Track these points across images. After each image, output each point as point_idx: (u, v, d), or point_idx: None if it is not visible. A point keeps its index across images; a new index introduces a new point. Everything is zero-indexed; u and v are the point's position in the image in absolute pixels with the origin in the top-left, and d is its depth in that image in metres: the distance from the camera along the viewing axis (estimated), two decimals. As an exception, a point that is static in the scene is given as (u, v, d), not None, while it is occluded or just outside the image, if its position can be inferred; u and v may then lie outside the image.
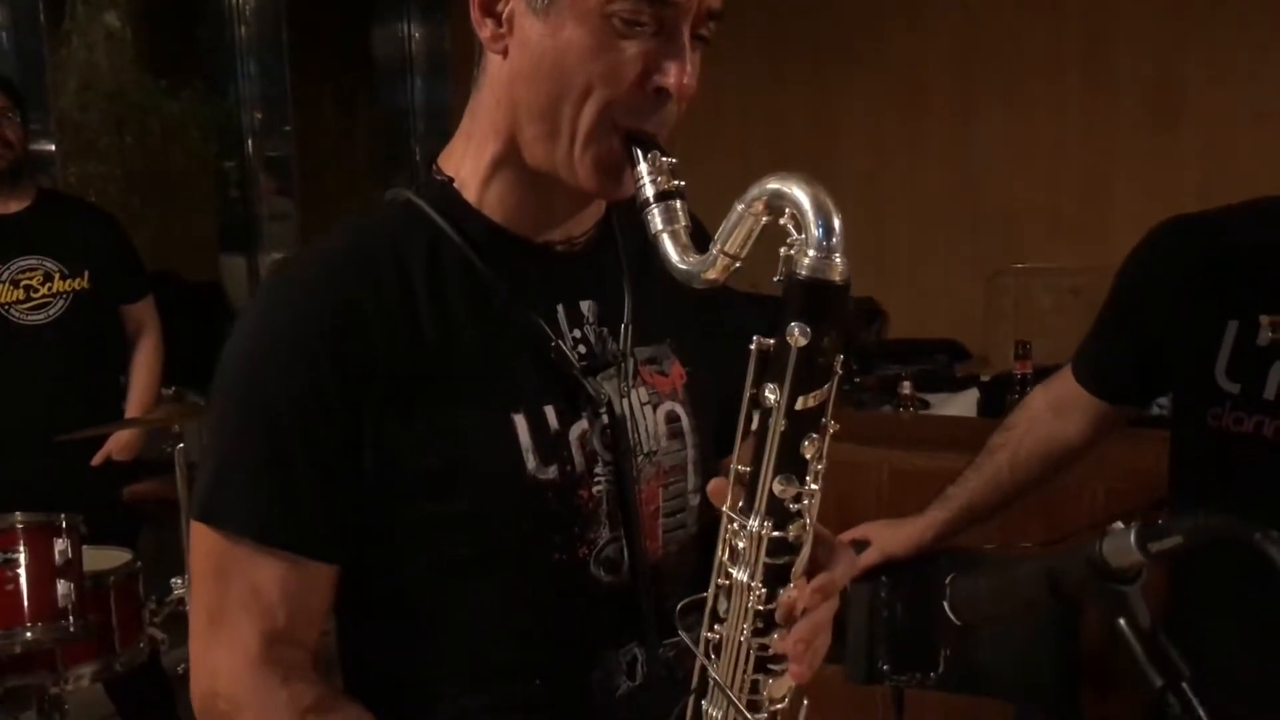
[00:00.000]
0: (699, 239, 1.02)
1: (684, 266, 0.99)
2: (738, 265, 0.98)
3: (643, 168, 1.02)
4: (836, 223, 0.91)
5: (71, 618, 2.57)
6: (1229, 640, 1.53)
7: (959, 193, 4.44)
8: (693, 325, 1.28)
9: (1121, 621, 0.89)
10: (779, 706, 1.04)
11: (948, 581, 1.14)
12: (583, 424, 1.14)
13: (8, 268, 3.15)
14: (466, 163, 1.14)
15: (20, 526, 2.58)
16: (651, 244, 1.01)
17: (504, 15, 1.06)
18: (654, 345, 1.23)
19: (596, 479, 1.14)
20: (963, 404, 3.66)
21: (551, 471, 1.11)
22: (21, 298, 3.16)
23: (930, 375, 3.87)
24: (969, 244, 4.42)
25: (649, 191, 1.02)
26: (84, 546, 2.70)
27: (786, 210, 0.93)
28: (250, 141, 5.18)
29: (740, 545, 0.99)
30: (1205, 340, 1.59)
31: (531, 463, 1.10)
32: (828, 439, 0.97)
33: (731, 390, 1.00)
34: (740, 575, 0.99)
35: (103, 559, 2.82)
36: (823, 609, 1.02)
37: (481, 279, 1.11)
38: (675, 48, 1.03)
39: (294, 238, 5.17)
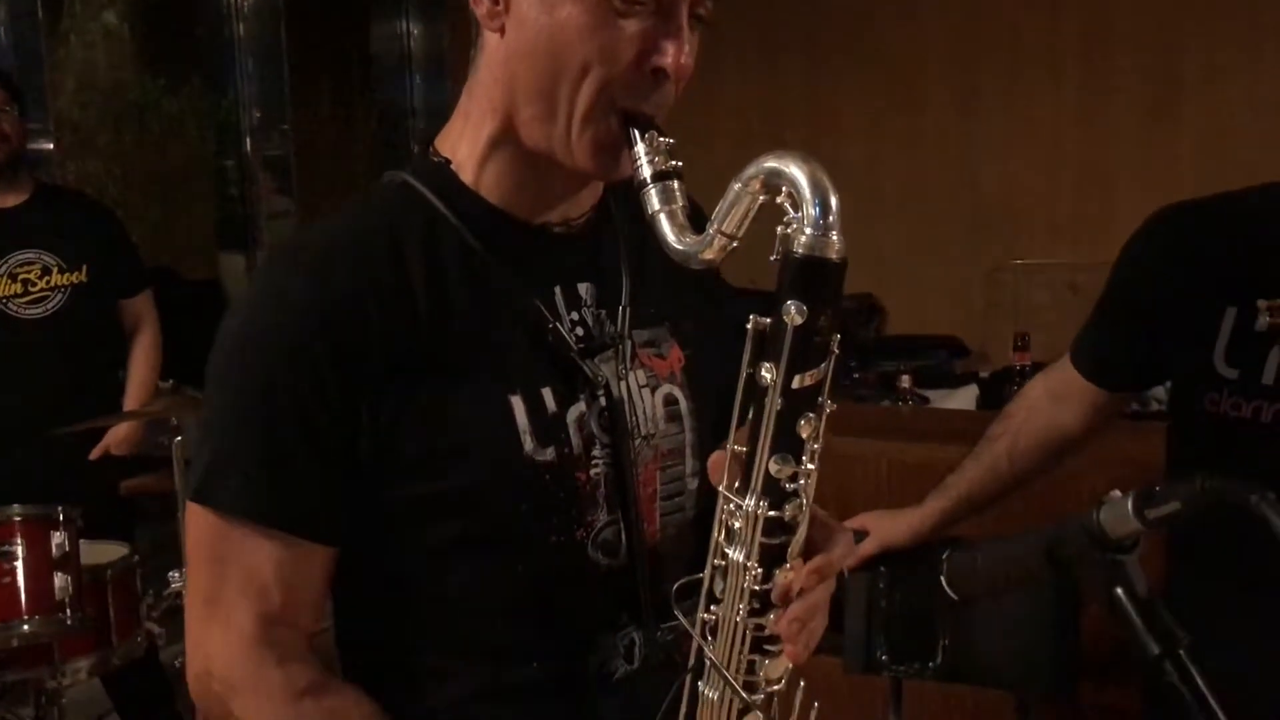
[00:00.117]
0: (696, 220, 1.02)
1: (681, 247, 0.99)
2: (735, 245, 0.97)
3: (640, 148, 1.02)
4: (833, 201, 0.91)
5: (69, 610, 2.57)
6: (1227, 613, 1.52)
7: (958, 189, 4.44)
8: (691, 309, 1.28)
9: (1119, 590, 0.89)
10: (775, 688, 1.03)
11: (944, 557, 1.14)
12: (580, 406, 1.13)
13: (5, 262, 3.15)
14: (463, 144, 1.14)
15: (18, 519, 2.58)
16: (649, 225, 1.01)
17: None
18: (652, 328, 1.22)
19: (594, 461, 1.14)
20: (962, 400, 3.67)
21: (549, 453, 1.10)
22: (19, 291, 3.15)
23: (929, 371, 3.87)
24: (968, 240, 4.42)
25: (646, 172, 1.01)
26: (81, 540, 2.69)
27: (783, 189, 0.93)
28: (248, 139, 5.18)
29: (736, 525, 0.99)
30: (1203, 326, 1.59)
31: (529, 444, 1.09)
32: (824, 419, 0.97)
33: (730, 379, 1.00)
34: (736, 555, 0.99)
35: (100, 553, 2.82)
36: (819, 590, 1.02)
37: (478, 260, 1.11)
38: (673, 27, 1.03)
39: (292, 236, 5.16)
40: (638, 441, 1.17)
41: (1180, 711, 0.90)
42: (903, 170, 4.53)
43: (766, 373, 0.94)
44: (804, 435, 0.96)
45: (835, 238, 0.91)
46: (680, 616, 1.04)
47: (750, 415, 0.97)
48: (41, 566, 2.55)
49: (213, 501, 1.07)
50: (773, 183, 0.94)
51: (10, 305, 3.15)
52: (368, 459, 1.06)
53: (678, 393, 1.22)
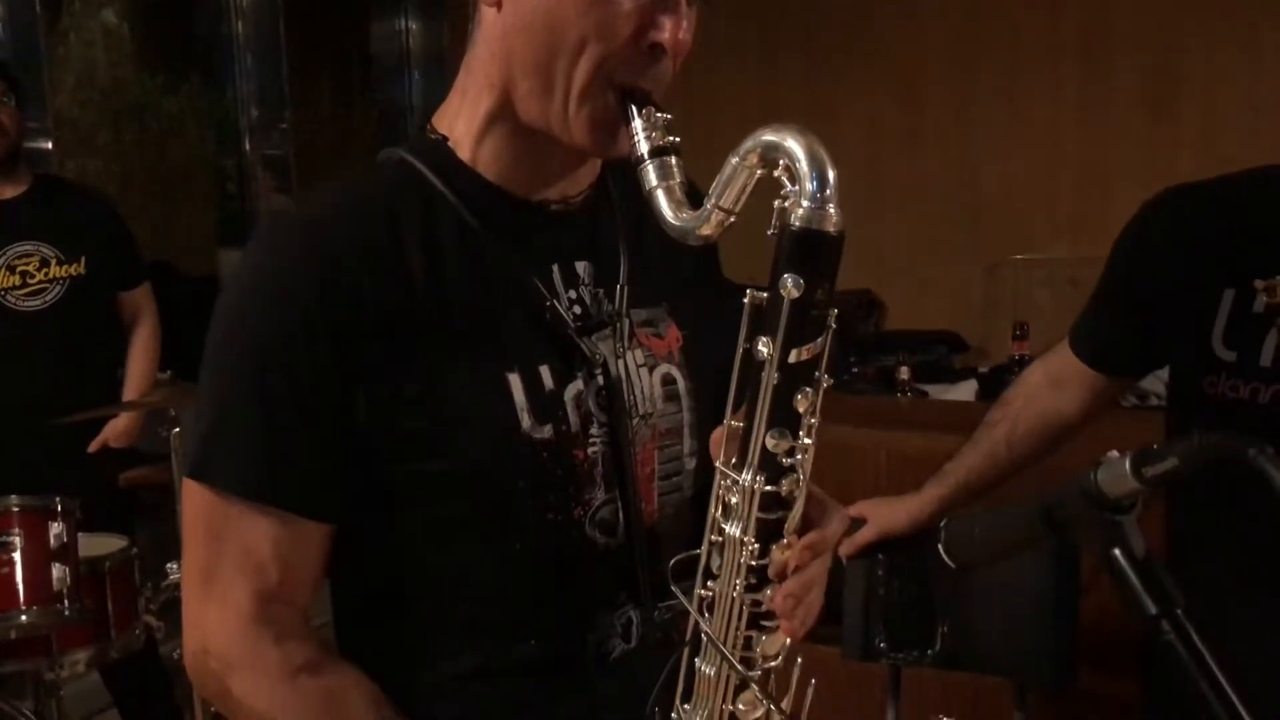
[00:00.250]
0: (694, 199, 1.02)
1: (678, 223, 0.99)
2: (732, 220, 0.97)
3: (637, 124, 1.02)
4: (831, 174, 0.91)
5: (67, 601, 2.56)
6: (1226, 580, 1.53)
7: (957, 185, 4.44)
8: (690, 290, 1.28)
9: (1116, 551, 0.89)
10: (772, 664, 1.03)
11: (942, 525, 1.14)
12: (578, 384, 1.13)
13: (4, 254, 3.15)
14: (461, 120, 1.13)
15: (16, 510, 2.57)
16: (646, 201, 1.01)
17: None
18: (650, 308, 1.22)
19: (592, 440, 1.13)
20: (961, 395, 3.66)
21: (546, 431, 1.10)
22: (18, 284, 3.15)
23: (929, 366, 3.87)
24: (967, 236, 4.42)
25: (643, 147, 1.01)
26: (80, 533, 2.69)
27: (780, 162, 0.92)
28: (248, 138, 5.17)
29: (733, 501, 0.99)
30: (1201, 309, 1.60)
31: (526, 421, 1.09)
32: (821, 393, 0.96)
33: (728, 360, 1.00)
34: (733, 530, 0.99)
35: (98, 545, 2.81)
36: (815, 566, 1.02)
37: (476, 237, 1.10)
38: (671, 3, 1.02)
39: (291, 233, 5.16)
40: (635, 421, 1.17)
41: (1178, 684, 0.90)
42: (902, 167, 4.52)
43: (763, 347, 0.94)
44: (800, 410, 0.95)
45: (832, 210, 0.90)
46: (677, 592, 1.04)
47: (747, 390, 0.97)
48: (39, 557, 2.54)
49: (209, 479, 1.07)
50: (770, 156, 0.93)
51: (8, 297, 3.14)
52: (364, 436, 1.06)
53: (676, 372, 1.22)
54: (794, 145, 0.92)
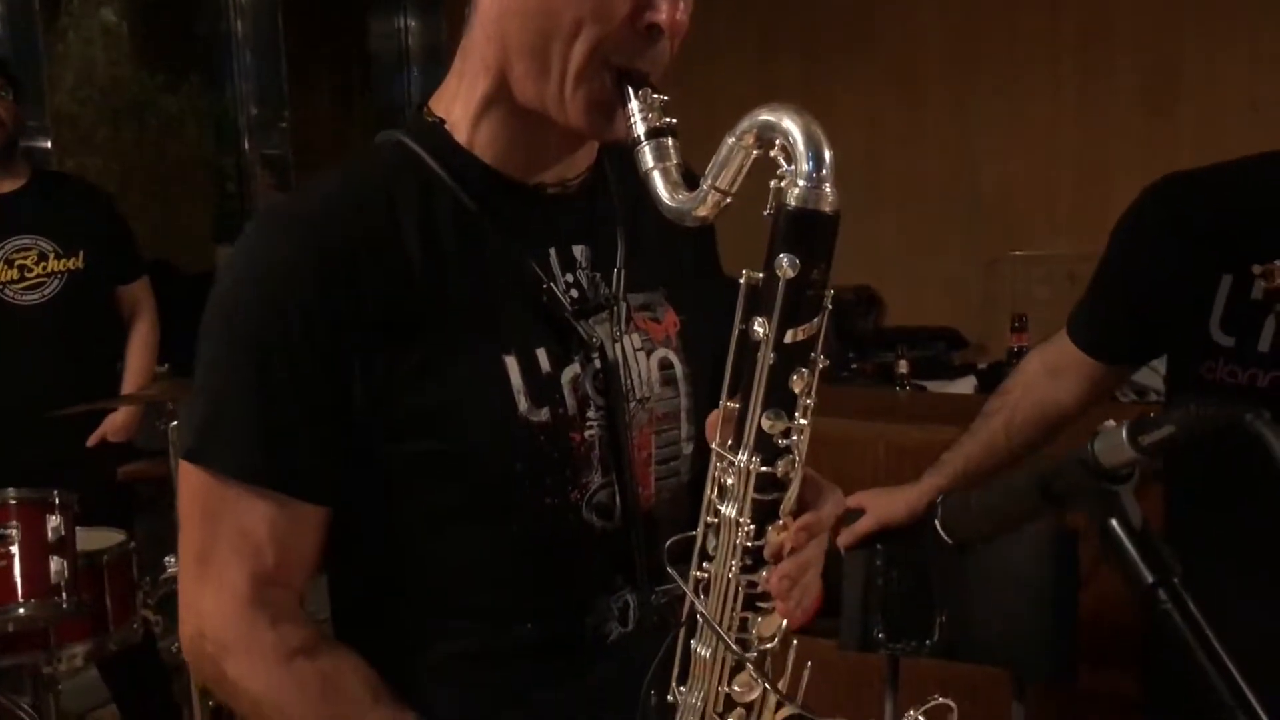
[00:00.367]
0: (691, 182, 1.02)
1: (674, 204, 0.98)
2: (728, 201, 0.97)
3: (634, 105, 1.01)
4: (827, 154, 0.90)
5: (65, 594, 2.56)
6: (1227, 568, 1.53)
7: (955, 181, 4.44)
8: (687, 275, 1.28)
9: (1113, 521, 0.89)
10: (768, 646, 1.03)
11: (939, 501, 1.13)
12: (575, 367, 1.13)
13: (2, 248, 3.15)
14: (458, 103, 1.13)
15: (13, 502, 2.57)
16: (642, 182, 1.00)
17: None
18: (647, 292, 1.22)
19: (589, 423, 1.13)
20: (960, 391, 3.67)
21: (543, 414, 1.10)
22: (16, 277, 3.15)
23: (928, 363, 3.87)
24: (966, 232, 4.42)
25: (640, 129, 1.00)
26: (78, 528, 2.69)
27: (777, 142, 0.92)
28: (246, 136, 5.17)
29: (729, 482, 0.98)
30: (1199, 295, 1.60)
31: (523, 404, 1.09)
32: (817, 374, 0.96)
33: (724, 346, 0.99)
34: (728, 511, 0.98)
35: (96, 539, 2.81)
36: (810, 548, 1.01)
37: (473, 220, 1.10)
38: None
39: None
40: (633, 404, 1.17)
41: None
42: (901, 164, 4.52)
43: (758, 327, 0.93)
44: (796, 391, 0.95)
45: (829, 190, 0.90)
46: (673, 574, 1.04)
47: (743, 371, 0.96)
48: (37, 550, 2.54)
49: (205, 461, 1.07)
50: (766, 136, 0.93)
51: (6, 291, 3.14)
52: (361, 418, 1.06)
53: (673, 357, 1.22)
54: (790, 124, 0.91)
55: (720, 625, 1.01)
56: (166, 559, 2.72)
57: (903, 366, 3.44)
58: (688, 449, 1.23)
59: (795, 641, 1.05)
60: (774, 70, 4.65)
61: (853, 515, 1.94)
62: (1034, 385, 1.84)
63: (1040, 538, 2.03)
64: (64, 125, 4.65)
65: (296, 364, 1.04)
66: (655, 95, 1.02)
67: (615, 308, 1.16)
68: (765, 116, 0.93)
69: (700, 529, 1.02)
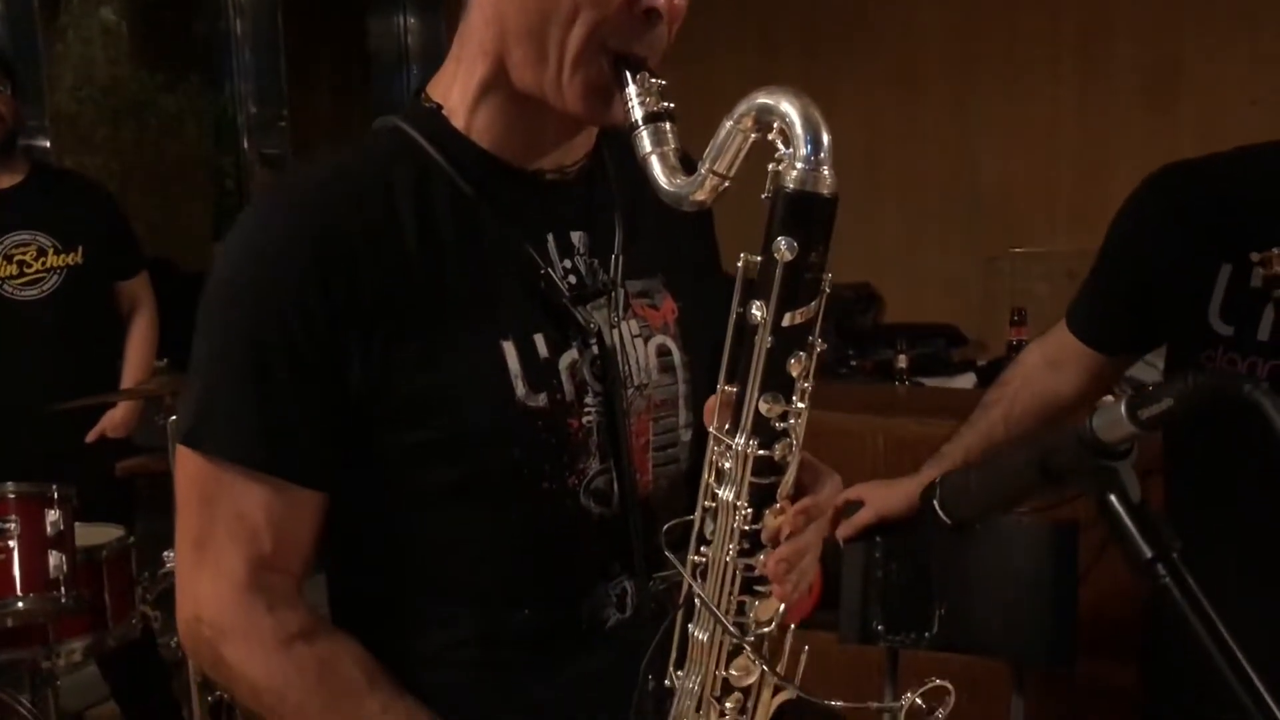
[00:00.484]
0: (689, 168, 1.01)
1: (672, 188, 0.98)
2: (726, 185, 0.97)
3: (631, 89, 1.01)
4: (825, 137, 0.90)
5: (63, 589, 2.56)
6: (1227, 555, 1.53)
7: (955, 178, 4.44)
8: (686, 263, 1.27)
9: (1112, 497, 0.88)
10: (766, 630, 1.02)
11: (937, 482, 1.13)
12: (573, 353, 1.13)
13: (1, 243, 3.14)
14: (455, 89, 1.13)
15: (13, 497, 2.56)
16: (640, 167, 1.00)
17: None
18: (645, 279, 1.22)
19: (586, 409, 1.13)
20: (959, 388, 3.66)
21: (541, 399, 1.10)
22: (15, 273, 3.15)
23: (927, 359, 3.86)
24: (965, 229, 4.41)
25: (638, 113, 1.00)
26: (76, 523, 2.68)
27: (775, 125, 0.92)
28: (246, 135, 5.17)
29: (726, 465, 0.98)
30: (1198, 284, 1.60)
31: (521, 389, 1.09)
32: (815, 357, 0.96)
33: (723, 334, 0.99)
34: (726, 495, 0.98)
35: (95, 535, 2.81)
36: (808, 532, 1.01)
37: (470, 206, 1.10)
38: None
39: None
40: (630, 391, 1.17)
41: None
42: (901, 161, 4.52)
43: (756, 311, 0.93)
44: (794, 374, 0.95)
45: (827, 173, 0.90)
46: (670, 557, 1.04)
47: (741, 355, 0.96)
48: (36, 545, 2.54)
49: (201, 445, 1.07)
50: (764, 119, 0.93)
51: (6, 287, 3.14)
52: (358, 403, 1.06)
53: (671, 344, 1.22)
54: (788, 107, 0.91)
55: (718, 609, 1.01)
56: (165, 554, 2.71)
57: (902, 361, 3.44)
58: (686, 436, 1.23)
59: (793, 626, 1.05)
60: (774, 68, 4.64)
61: (852, 507, 1.94)
62: (1033, 377, 1.84)
63: (1039, 530, 2.03)
64: (63, 124, 4.65)
65: (293, 349, 1.04)
66: (653, 80, 1.02)
67: (613, 294, 1.16)
68: (763, 99, 0.93)
69: (698, 513, 1.02)
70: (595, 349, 1.14)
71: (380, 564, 1.15)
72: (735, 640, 1.01)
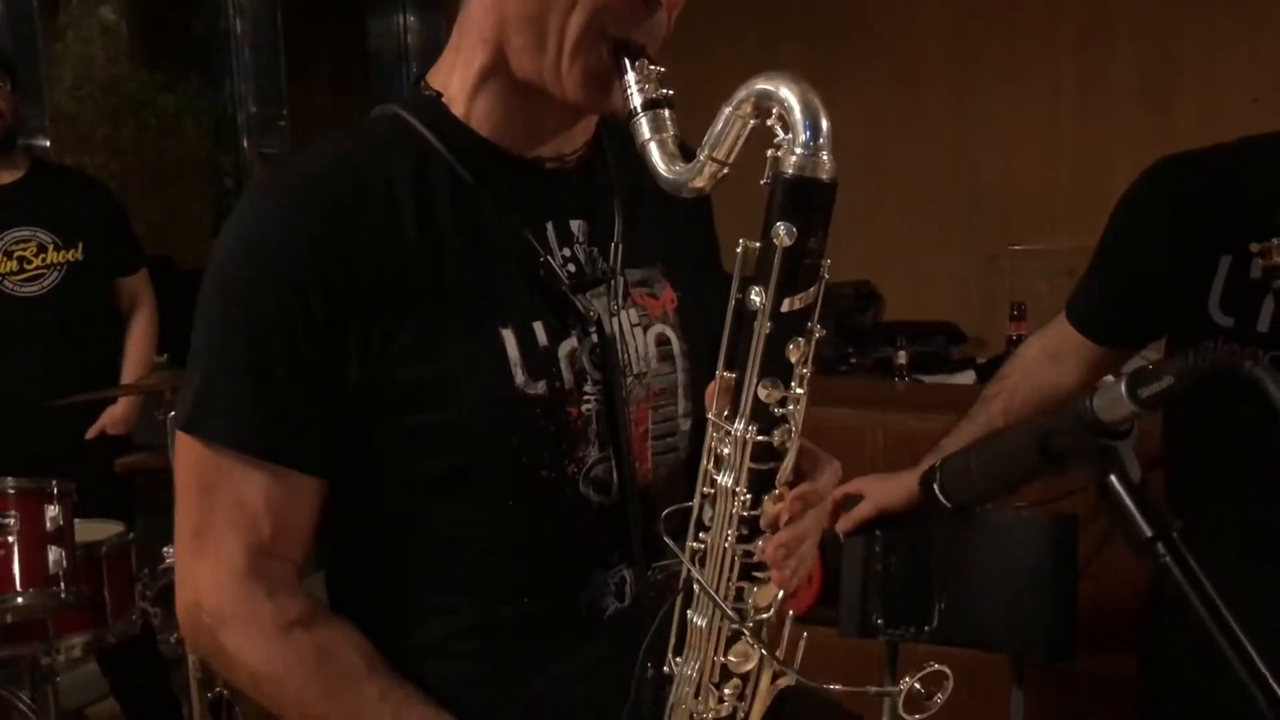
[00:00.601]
0: (688, 156, 1.01)
1: (670, 175, 0.98)
2: (725, 172, 0.96)
3: (630, 76, 1.01)
4: (824, 122, 0.90)
5: (63, 584, 2.55)
6: (1227, 541, 1.53)
7: (955, 176, 4.44)
8: (685, 252, 1.28)
9: (1112, 477, 0.88)
10: (764, 616, 1.02)
11: (937, 466, 1.13)
12: (572, 341, 1.13)
13: (1, 239, 3.14)
14: (455, 77, 1.13)
15: (12, 492, 2.56)
16: (639, 154, 1.00)
17: None
18: (645, 268, 1.22)
19: (586, 397, 1.13)
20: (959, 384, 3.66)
21: (540, 387, 1.10)
22: (15, 269, 3.14)
23: (927, 357, 3.86)
24: (965, 227, 4.41)
25: (636, 100, 1.00)
26: (76, 519, 2.68)
27: (774, 110, 0.92)
28: (245, 135, 5.17)
29: (725, 451, 0.98)
30: (1198, 275, 1.60)
31: (520, 377, 1.09)
32: (814, 343, 0.96)
33: (721, 324, 0.99)
34: (725, 480, 0.98)
35: (95, 531, 2.80)
36: (807, 518, 1.01)
37: (469, 193, 1.10)
38: None
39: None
40: (630, 379, 1.17)
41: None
42: (901, 160, 4.51)
43: (755, 296, 0.93)
44: (793, 360, 0.95)
45: (826, 158, 0.90)
46: (669, 542, 1.04)
47: (740, 340, 0.96)
48: (36, 540, 2.53)
49: (201, 432, 1.07)
50: (763, 105, 0.93)
51: (6, 283, 3.14)
52: (357, 390, 1.06)
53: (670, 333, 1.22)
54: (787, 93, 0.91)
55: (716, 594, 1.01)
56: (165, 549, 2.71)
57: (902, 358, 3.44)
58: (685, 425, 1.23)
59: (791, 613, 1.06)
60: (773, 64, 4.59)
61: (851, 501, 1.94)
62: (1033, 370, 1.84)
63: (1039, 524, 2.03)
64: (63, 124, 4.65)
65: (292, 336, 1.04)
66: (652, 67, 1.01)
67: (612, 282, 1.16)
68: (762, 85, 0.93)
69: (697, 499, 1.02)
70: (594, 337, 1.14)
71: (379, 553, 1.15)
72: (734, 626, 1.01)
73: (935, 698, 0.95)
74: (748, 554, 1.00)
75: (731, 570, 1.00)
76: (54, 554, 2.54)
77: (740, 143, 0.95)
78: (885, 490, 1.89)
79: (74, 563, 2.61)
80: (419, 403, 1.07)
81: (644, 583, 1.17)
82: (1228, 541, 1.55)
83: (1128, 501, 0.87)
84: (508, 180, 1.12)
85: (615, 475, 1.15)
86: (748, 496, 0.98)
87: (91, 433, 3.24)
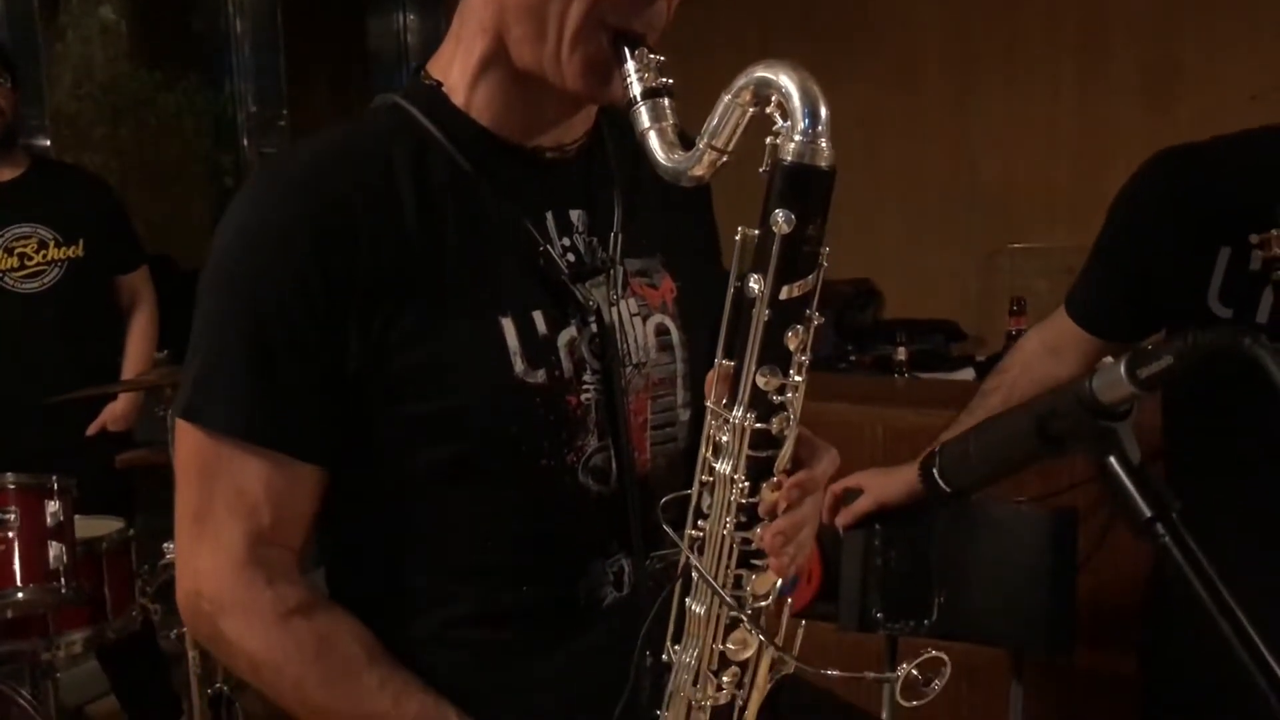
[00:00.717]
0: (687, 142, 1.01)
1: (670, 164, 0.98)
2: (725, 160, 0.96)
3: (630, 65, 1.01)
4: (823, 110, 0.90)
5: (63, 580, 2.55)
6: (1228, 527, 1.53)
7: (954, 174, 4.44)
8: (685, 243, 1.28)
9: (1111, 459, 0.88)
10: (763, 604, 1.03)
11: (936, 450, 1.13)
12: (571, 331, 1.13)
13: (1, 235, 3.14)
14: (455, 66, 1.13)
15: (12, 487, 2.56)
16: (638, 143, 1.00)
17: None
18: (644, 258, 1.22)
19: (585, 386, 1.13)
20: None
21: (539, 376, 1.10)
22: (15, 265, 3.14)
23: (926, 355, 3.86)
24: (964, 225, 4.42)
25: (636, 89, 1.00)
26: (76, 516, 2.68)
27: (773, 98, 0.92)
28: (245, 134, 5.17)
29: (723, 439, 0.98)
30: (1197, 267, 1.60)
31: (519, 366, 1.09)
32: (812, 331, 0.96)
33: (720, 314, 0.99)
34: (723, 468, 0.98)
35: (95, 527, 2.81)
36: (805, 506, 1.01)
37: (469, 182, 1.10)
38: None
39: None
40: (629, 369, 1.17)
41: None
42: (900, 157, 4.52)
43: (754, 284, 0.93)
44: (791, 347, 0.95)
45: (824, 145, 0.90)
46: (667, 529, 1.03)
47: (738, 328, 0.96)
48: (36, 535, 2.53)
49: (200, 419, 1.07)
50: (762, 93, 0.93)
51: (6, 279, 3.14)
52: (357, 378, 1.06)
53: (669, 323, 1.22)
54: (786, 80, 0.91)
55: (715, 582, 1.01)
56: (165, 545, 2.70)
57: (901, 355, 3.44)
58: (684, 415, 1.23)
59: (790, 601, 1.06)
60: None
61: (851, 495, 1.95)
62: (1032, 363, 1.84)
63: (1039, 518, 2.03)
64: (63, 123, 4.64)
65: (292, 323, 1.04)
66: (652, 55, 1.01)
67: (612, 272, 1.16)
68: (761, 73, 0.93)
69: (695, 487, 1.02)
70: (594, 327, 1.14)
71: (379, 542, 1.15)
72: (732, 613, 1.01)
73: (933, 684, 0.95)
74: (746, 541, 1.00)
75: (730, 558, 1.00)
76: (54, 549, 2.54)
77: (739, 131, 0.95)
78: (885, 484, 1.90)
79: (74, 558, 2.61)
80: (418, 391, 1.07)
81: (642, 572, 1.17)
82: (1227, 526, 1.56)
83: (1127, 482, 0.87)
84: (507, 170, 1.13)
85: (614, 465, 1.15)
86: (746, 484, 0.98)
87: (92, 429, 3.24)
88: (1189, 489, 1.65)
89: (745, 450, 0.97)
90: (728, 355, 0.97)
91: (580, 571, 1.15)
